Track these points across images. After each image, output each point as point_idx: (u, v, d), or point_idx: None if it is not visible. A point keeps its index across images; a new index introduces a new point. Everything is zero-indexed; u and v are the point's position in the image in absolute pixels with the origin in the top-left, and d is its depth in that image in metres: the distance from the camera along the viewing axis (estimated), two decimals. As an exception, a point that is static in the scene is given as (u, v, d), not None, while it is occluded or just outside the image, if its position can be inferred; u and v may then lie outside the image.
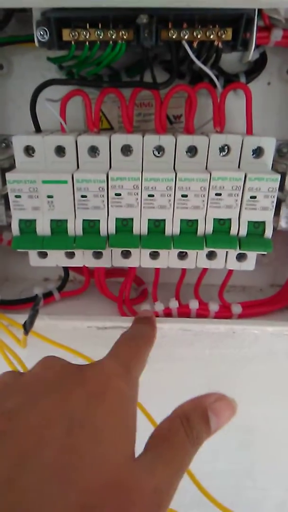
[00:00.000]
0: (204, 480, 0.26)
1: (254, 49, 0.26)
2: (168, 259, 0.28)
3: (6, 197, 0.29)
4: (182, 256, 0.28)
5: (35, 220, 0.25)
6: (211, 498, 0.24)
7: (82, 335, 0.30)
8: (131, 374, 0.16)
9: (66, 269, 0.33)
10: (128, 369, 0.16)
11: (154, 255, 0.28)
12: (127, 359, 0.17)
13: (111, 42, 0.24)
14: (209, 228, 0.25)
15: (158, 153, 0.25)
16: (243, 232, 0.25)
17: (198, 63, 0.25)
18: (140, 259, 0.28)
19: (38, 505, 0.10)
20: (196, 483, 0.25)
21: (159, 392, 0.29)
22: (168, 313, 0.31)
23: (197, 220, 0.25)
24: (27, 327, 0.25)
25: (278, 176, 0.24)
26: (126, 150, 0.25)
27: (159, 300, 0.31)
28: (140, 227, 0.25)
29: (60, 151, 0.25)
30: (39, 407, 0.12)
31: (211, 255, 0.28)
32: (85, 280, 0.33)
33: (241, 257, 0.28)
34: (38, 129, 0.27)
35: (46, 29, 0.24)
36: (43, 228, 0.25)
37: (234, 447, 0.36)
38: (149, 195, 0.25)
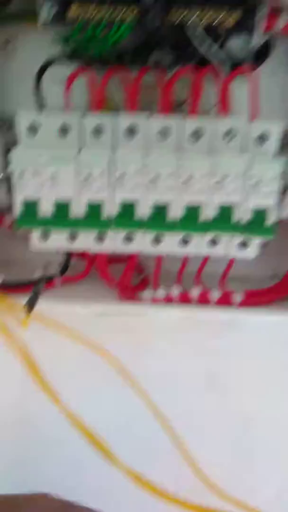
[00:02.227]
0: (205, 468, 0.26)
1: (261, 34, 0.26)
2: (171, 244, 0.28)
3: (9, 178, 0.29)
4: (185, 242, 0.28)
5: (38, 200, 0.25)
6: (212, 485, 0.24)
7: (81, 320, 0.30)
8: None
9: (67, 254, 0.32)
10: None
11: (157, 241, 0.28)
12: None
13: (117, 21, 0.24)
14: (213, 213, 0.25)
15: (163, 136, 0.25)
16: (246, 218, 0.25)
17: (203, 47, 0.25)
18: (142, 244, 0.28)
19: None
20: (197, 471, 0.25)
21: (159, 378, 0.29)
22: (169, 300, 0.31)
23: (201, 205, 0.25)
24: (29, 307, 0.24)
25: (281, 162, 0.24)
26: (131, 131, 0.25)
27: (160, 288, 0.31)
28: (144, 210, 0.25)
29: (64, 130, 0.25)
30: None
31: (213, 242, 0.28)
32: (86, 266, 0.32)
33: (243, 245, 0.28)
34: (41, 109, 0.27)
35: (52, 3, 0.24)
36: (46, 208, 0.25)
37: (233, 438, 0.36)
38: (153, 178, 0.24)
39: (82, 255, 0.34)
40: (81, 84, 0.29)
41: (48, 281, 0.32)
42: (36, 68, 0.27)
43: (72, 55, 0.27)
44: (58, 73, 0.27)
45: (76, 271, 0.35)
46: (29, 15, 0.26)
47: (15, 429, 0.31)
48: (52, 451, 0.33)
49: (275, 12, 0.26)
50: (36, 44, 0.29)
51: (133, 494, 0.25)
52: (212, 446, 0.29)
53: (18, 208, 0.26)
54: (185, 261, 0.31)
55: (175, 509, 0.24)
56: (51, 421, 0.27)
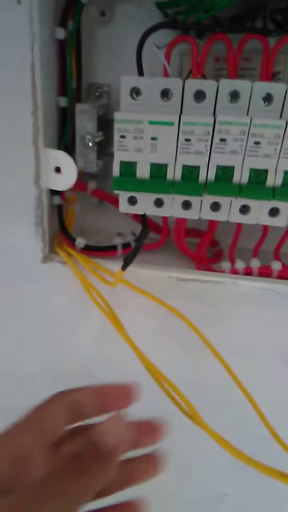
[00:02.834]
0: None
1: None
2: (259, 215, 0.28)
3: (99, 144, 0.30)
4: (273, 213, 0.28)
5: (136, 163, 0.26)
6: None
7: (161, 285, 0.30)
8: None
9: (145, 223, 0.33)
10: None
11: (244, 211, 0.28)
12: None
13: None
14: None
15: (266, 101, 0.25)
16: None
17: None
18: (229, 213, 0.28)
19: None
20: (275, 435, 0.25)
21: (233, 349, 0.29)
22: (248, 272, 0.31)
23: (301, 172, 0.25)
24: (128, 261, 0.25)
25: None
26: (233, 96, 0.25)
27: (237, 262, 0.31)
28: (241, 176, 0.25)
29: (165, 94, 0.26)
30: None
31: (304, 214, 0.27)
32: (163, 236, 0.33)
33: None
34: (141, 74, 0.27)
35: None
36: (143, 170, 0.26)
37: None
38: (255, 142, 0.24)
39: (155, 227, 0.35)
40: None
41: (125, 247, 0.33)
42: (130, 38, 0.28)
43: (172, 23, 0.27)
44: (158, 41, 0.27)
45: (147, 241, 0.36)
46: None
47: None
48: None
49: None
50: (131, 15, 0.30)
51: (216, 453, 0.25)
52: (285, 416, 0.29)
53: (115, 170, 0.26)
54: (263, 236, 0.31)
55: (253, 471, 0.24)
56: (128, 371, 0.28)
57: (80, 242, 0.32)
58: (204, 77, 0.30)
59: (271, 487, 0.40)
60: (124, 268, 0.26)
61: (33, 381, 0.35)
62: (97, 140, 0.29)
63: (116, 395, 0.18)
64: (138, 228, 0.33)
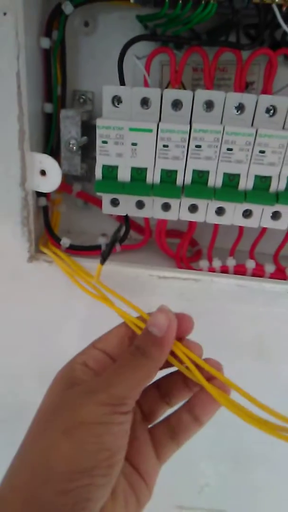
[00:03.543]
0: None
1: None
2: (234, 216, 0.29)
3: (83, 148, 0.31)
4: (246, 215, 0.30)
5: (117, 166, 0.27)
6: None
7: (143, 283, 0.32)
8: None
9: (127, 223, 0.35)
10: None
11: (220, 212, 0.30)
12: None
13: (203, 1, 0.26)
14: (282, 185, 0.27)
15: (238, 111, 0.27)
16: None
17: (285, 27, 0.26)
18: (206, 214, 0.30)
19: None
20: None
21: (211, 343, 0.31)
22: (224, 271, 0.32)
23: (270, 177, 0.27)
24: (105, 255, 0.26)
25: None
26: (208, 105, 0.27)
27: (214, 260, 0.33)
28: (215, 180, 0.27)
29: (144, 103, 0.27)
30: None
31: (275, 216, 0.29)
32: (145, 236, 0.35)
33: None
34: (122, 83, 0.29)
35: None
36: (124, 174, 0.27)
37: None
38: (228, 149, 0.26)
39: (138, 228, 0.37)
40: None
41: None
42: (113, 48, 0.29)
43: (151, 36, 0.29)
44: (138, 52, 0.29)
45: (131, 241, 0.38)
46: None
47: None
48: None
49: None
50: (113, 26, 0.31)
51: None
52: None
53: (98, 173, 0.28)
54: (239, 236, 0.33)
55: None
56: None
57: (65, 242, 0.33)
58: (183, 86, 0.31)
59: (249, 477, 0.42)
60: (102, 262, 0.27)
61: (19, 379, 0.36)
62: (81, 144, 0.31)
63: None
64: (121, 228, 0.35)
